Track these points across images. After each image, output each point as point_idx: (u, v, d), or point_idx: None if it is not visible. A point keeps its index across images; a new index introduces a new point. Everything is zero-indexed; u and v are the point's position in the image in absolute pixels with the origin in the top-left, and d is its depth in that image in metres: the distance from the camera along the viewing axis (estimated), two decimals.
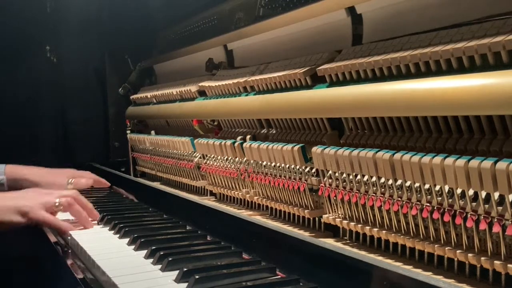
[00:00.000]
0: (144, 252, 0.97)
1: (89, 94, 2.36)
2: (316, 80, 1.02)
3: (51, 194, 1.27)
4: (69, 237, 1.15)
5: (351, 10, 1.02)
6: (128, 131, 2.17)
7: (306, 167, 1.01)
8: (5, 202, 1.18)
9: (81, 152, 2.33)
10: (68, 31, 2.27)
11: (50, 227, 1.21)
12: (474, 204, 0.68)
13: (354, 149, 0.85)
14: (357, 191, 0.86)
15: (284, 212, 1.12)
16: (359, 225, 0.88)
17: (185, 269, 0.81)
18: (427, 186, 0.74)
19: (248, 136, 1.24)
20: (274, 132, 1.20)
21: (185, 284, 0.78)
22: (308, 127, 1.09)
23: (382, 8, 0.96)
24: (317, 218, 1.02)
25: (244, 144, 1.15)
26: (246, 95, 1.23)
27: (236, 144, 1.19)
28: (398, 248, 0.83)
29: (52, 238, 1.16)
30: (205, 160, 1.38)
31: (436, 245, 0.74)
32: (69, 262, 0.98)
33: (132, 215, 1.34)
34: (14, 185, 1.53)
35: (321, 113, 1.00)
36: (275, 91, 1.14)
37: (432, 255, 0.76)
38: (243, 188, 1.24)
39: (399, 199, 0.79)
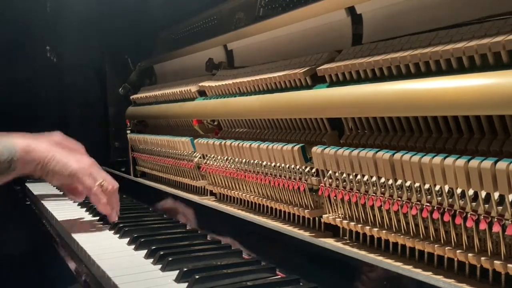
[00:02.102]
0: (144, 252, 0.97)
1: (89, 94, 2.36)
2: (316, 80, 1.02)
3: (99, 172, 1.27)
4: (69, 237, 1.15)
5: (351, 10, 1.02)
6: (128, 131, 2.17)
7: (306, 167, 1.01)
8: (59, 155, 1.21)
9: None
10: (68, 31, 2.27)
11: (89, 195, 1.23)
12: (474, 204, 0.68)
13: (354, 149, 0.85)
14: (357, 191, 0.86)
15: (284, 212, 1.12)
16: (359, 225, 0.88)
17: (185, 269, 0.81)
18: (427, 186, 0.74)
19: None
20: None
21: (185, 284, 0.78)
22: (308, 127, 1.09)
23: (382, 8, 0.96)
24: (317, 218, 1.02)
25: (245, 144, 1.15)
26: (246, 95, 1.24)
27: (236, 144, 1.19)
28: (398, 248, 0.83)
29: (52, 238, 1.16)
30: (205, 160, 1.38)
31: (436, 245, 0.74)
32: (68, 261, 0.98)
33: (132, 215, 1.34)
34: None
35: (321, 113, 1.00)
36: (275, 91, 1.14)
37: (432, 255, 0.76)
38: (240, 188, 1.24)
39: (399, 199, 0.79)
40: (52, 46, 2.28)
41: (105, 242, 1.09)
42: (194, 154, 1.50)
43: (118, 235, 1.13)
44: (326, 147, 0.91)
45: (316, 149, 0.93)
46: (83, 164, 1.24)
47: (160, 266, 0.88)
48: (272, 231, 0.90)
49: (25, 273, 1.66)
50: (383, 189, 0.82)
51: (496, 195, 0.64)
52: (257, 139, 1.21)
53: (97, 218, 1.32)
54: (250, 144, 1.13)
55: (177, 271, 0.82)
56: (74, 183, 1.23)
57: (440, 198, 0.73)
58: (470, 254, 0.69)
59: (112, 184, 1.27)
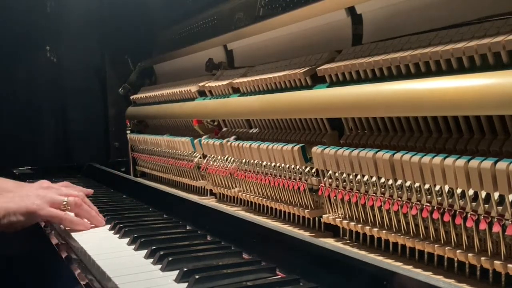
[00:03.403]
0: (144, 252, 0.97)
1: (89, 94, 2.36)
2: (316, 80, 1.02)
3: (58, 190, 1.25)
4: (69, 237, 1.15)
5: (351, 10, 1.02)
6: (128, 131, 2.17)
7: (306, 167, 1.01)
8: (12, 204, 1.15)
9: (81, 152, 2.33)
10: (68, 31, 2.27)
11: (61, 223, 1.19)
12: (474, 204, 0.68)
13: (354, 149, 0.85)
14: (357, 191, 0.86)
15: (284, 212, 1.12)
16: (359, 225, 0.88)
17: (185, 269, 0.81)
18: (427, 186, 0.74)
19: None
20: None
21: (185, 284, 0.78)
22: (308, 127, 1.09)
23: (382, 8, 0.96)
24: (317, 218, 1.02)
25: (244, 144, 1.15)
26: (246, 95, 1.24)
27: (235, 144, 1.19)
28: (398, 248, 0.83)
29: (52, 238, 1.16)
30: (205, 160, 1.38)
31: (436, 245, 0.74)
32: (68, 262, 0.98)
33: (132, 215, 1.34)
34: None
35: (321, 113, 1.00)
36: (275, 91, 1.14)
37: (432, 255, 0.76)
38: (235, 187, 1.25)
39: (399, 199, 0.79)
40: (52, 46, 2.28)
41: (105, 242, 1.09)
42: (194, 154, 1.50)
43: (118, 235, 1.13)
44: (326, 147, 0.91)
45: (316, 149, 0.93)
46: (35, 196, 1.18)
47: (160, 266, 0.88)
48: (272, 231, 0.90)
49: (25, 274, 1.65)
50: (383, 189, 0.82)
51: (496, 195, 0.64)
52: (257, 139, 1.21)
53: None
54: (250, 144, 1.13)
55: (177, 271, 0.82)
56: (40, 220, 1.19)
57: (440, 198, 0.72)
58: (470, 254, 0.69)
59: (76, 195, 1.23)
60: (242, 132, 1.32)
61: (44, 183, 1.29)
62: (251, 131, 1.28)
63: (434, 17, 0.87)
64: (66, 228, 1.20)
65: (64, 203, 1.21)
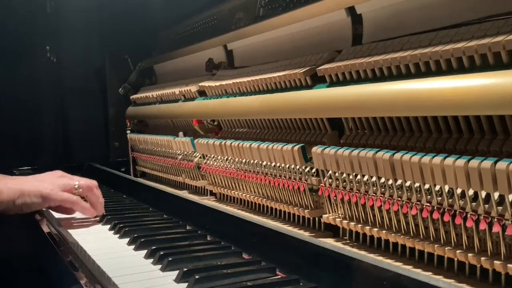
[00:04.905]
0: (144, 252, 0.97)
1: (89, 94, 2.36)
2: (316, 80, 1.02)
3: (71, 178, 1.31)
4: (69, 237, 1.15)
5: (351, 10, 1.02)
6: (128, 131, 2.17)
7: (306, 167, 1.01)
8: (26, 186, 1.22)
9: (81, 152, 2.33)
10: (68, 31, 2.27)
11: (73, 207, 1.26)
12: (474, 204, 0.68)
13: (354, 149, 0.85)
14: (357, 191, 0.86)
15: (284, 212, 1.12)
16: (359, 225, 0.88)
17: (185, 269, 0.81)
18: (427, 186, 0.74)
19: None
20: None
21: (185, 284, 0.78)
22: (308, 127, 1.09)
23: (382, 8, 0.96)
24: (317, 218, 1.02)
25: (244, 144, 1.15)
26: (246, 95, 1.24)
27: (235, 144, 1.19)
28: (398, 248, 0.83)
29: (52, 238, 1.16)
30: (205, 160, 1.38)
31: (436, 245, 0.74)
32: (68, 262, 0.98)
33: (132, 215, 1.34)
34: None
35: (321, 113, 1.00)
36: (275, 91, 1.14)
37: (432, 255, 0.76)
38: (240, 188, 1.24)
39: (399, 199, 0.79)
40: (52, 46, 2.28)
41: (105, 242, 1.09)
42: (194, 154, 1.50)
43: (118, 235, 1.13)
44: (326, 147, 0.91)
45: (316, 149, 0.93)
46: (49, 181, 1.25)
47: (160, 266, 0.88)
48: (272, 231, 0.90)
49: (24, 275, 1.65)
50: (383, 189, 0.82)
51: (496, 195, 0.64)
52: (257, 139, 1.21)
53: (98, 218, 1.32)
54: (250, 144, 1.13)
55: (177, 271, 0.82)
56: (53, 204, 1.25)
57: (440, 198, 0.73)
58: (470, 254, 0.69)
59: (87, 181, 1.30)
60: (242, 132, 1.33)
61: (58, 172, 1.35)
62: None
63: (434, 17, 0.87)
64: (69, 231, 1.20)
65: (76, 185, 1.27)
